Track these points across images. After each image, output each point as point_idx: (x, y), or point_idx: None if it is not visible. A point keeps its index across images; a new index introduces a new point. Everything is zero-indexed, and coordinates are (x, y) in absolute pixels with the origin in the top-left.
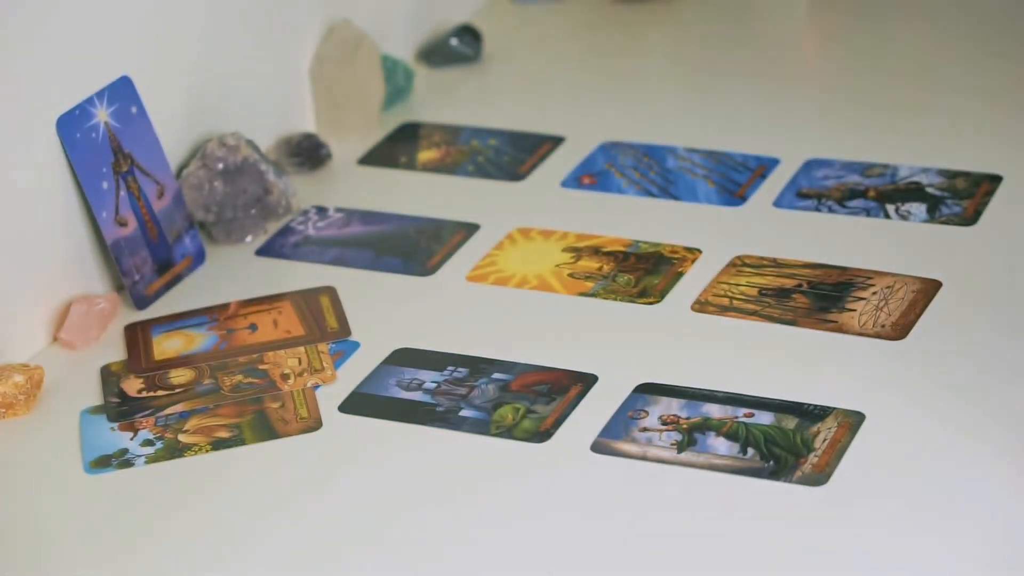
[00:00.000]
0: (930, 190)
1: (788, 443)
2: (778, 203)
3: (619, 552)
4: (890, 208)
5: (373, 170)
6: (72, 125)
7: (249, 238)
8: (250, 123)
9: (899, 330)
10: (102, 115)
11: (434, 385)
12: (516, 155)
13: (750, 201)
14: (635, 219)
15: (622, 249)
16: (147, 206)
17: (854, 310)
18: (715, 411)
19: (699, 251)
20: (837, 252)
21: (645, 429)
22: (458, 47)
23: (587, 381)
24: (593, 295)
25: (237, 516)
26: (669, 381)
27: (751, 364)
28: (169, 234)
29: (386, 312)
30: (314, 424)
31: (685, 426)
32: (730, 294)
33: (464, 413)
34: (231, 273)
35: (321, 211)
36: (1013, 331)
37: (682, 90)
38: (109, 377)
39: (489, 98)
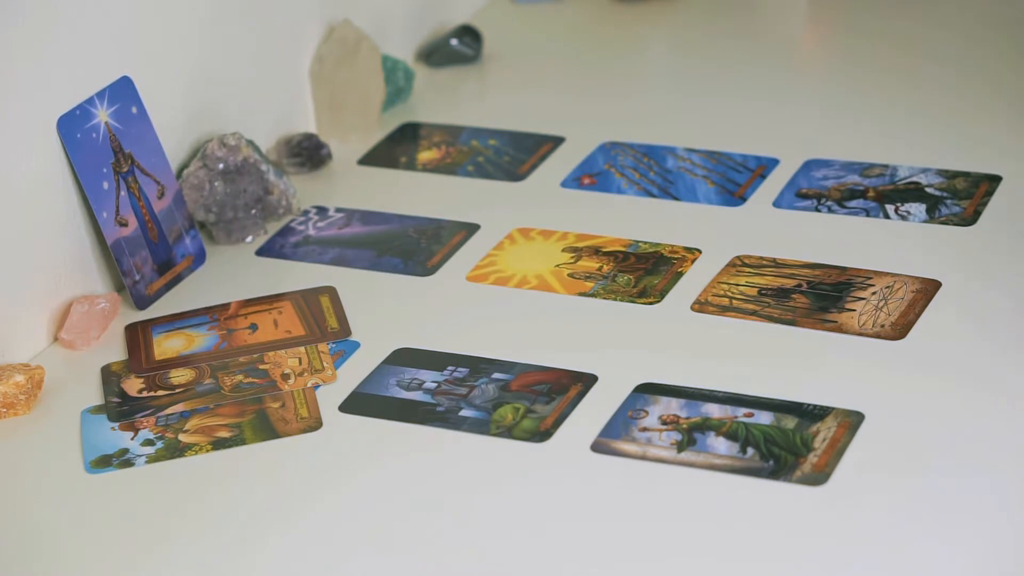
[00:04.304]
0: (929, 190)
1: (788, 443)
2: (778, 203)
3: (619, 551)
4: (890, 208)
5: (373, 170)
6: (73, 125)
7: (249, 238)
8: (250, 123)
9: (899, 330)
10: (103, 115)
11: (434, 385)
12: (516, 155)
13: (750, 201)
14: (635, 219)
15: (622, 249)
16: (147, 206)
17: (854, 310)
18: (715, 411)
19: (699, 251)
20: (837, 252)
21: (645, 429)
22: (458, 47)
23: (587, 381)
24: (593, 295)
25: (237, 516)
26: (669, 381)
27: (751, 364)
28: (169, 234)
29: (386, 312)
30: (314, 424)
31: (685, 426)
32: (730, 294)
33: (464, 413)
34: (231, 273)
35: (321, 211)
36: (1013, 331)
37: (682, 90)
38: (110, 377)
39: (489, 98)
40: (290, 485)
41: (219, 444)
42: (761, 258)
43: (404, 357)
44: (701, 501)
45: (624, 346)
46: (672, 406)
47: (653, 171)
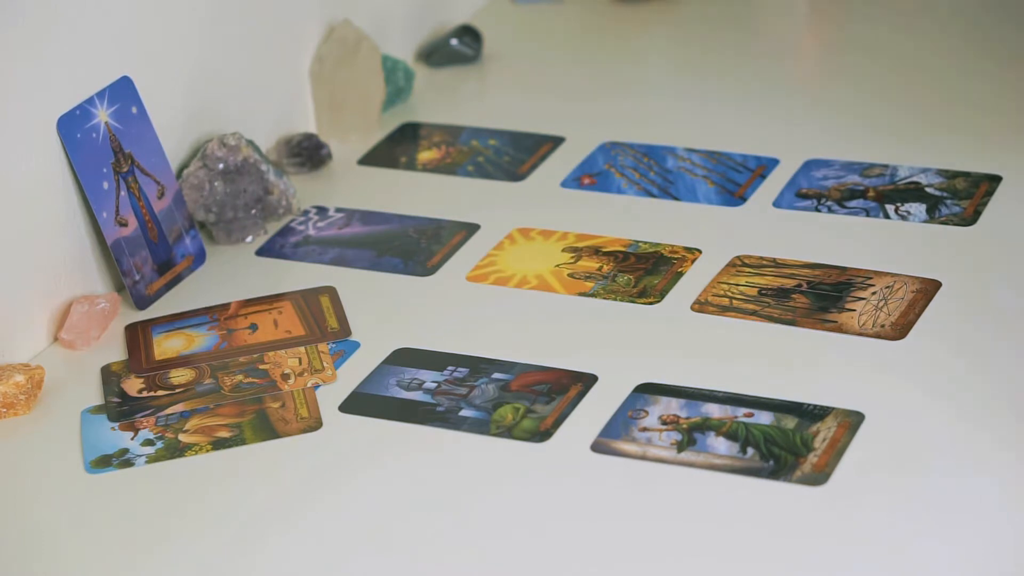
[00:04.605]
0: (930, 190)
1: (788, 443)
2: (778, 203)
3: (619, 551)
4: (890, 208)
5: (373, 170)
6: (73, 125)
7: (249, 238)
8: (250, 123)
9: (899, 330)
10: (103, 115)
11: (434, 385)
12: (516, 155)
13: (750, 201)
14: (635, 219)
15: (622, 249)
16: (147, 206)
17: (854, 310)
18: (715, 411)
19: (699, 251)
20: (837, 252)
21: (645, 429)
22: (458, 47)
23: (587, 381)
24: (593, 295)
25: (237, 516)
26: (669, 381)
27: (751, 364)
28: (169, 234)
29: (386, 312)
30: (314, 424)
31: (685, 426)
32: (730, 294)
33: (464, 413)
34: (231, 273)
35: (321, 211)
36: (1013, 331)
37: (682, 90)
38: (110, 377)
39: (489, 98)
40: (290, 485)
41: (219, 444)
42: (761, 258)
43: (404, 357)
44: (701, 501)
45: (624, 346)
46: (672, 406)
47: (653, 171)
